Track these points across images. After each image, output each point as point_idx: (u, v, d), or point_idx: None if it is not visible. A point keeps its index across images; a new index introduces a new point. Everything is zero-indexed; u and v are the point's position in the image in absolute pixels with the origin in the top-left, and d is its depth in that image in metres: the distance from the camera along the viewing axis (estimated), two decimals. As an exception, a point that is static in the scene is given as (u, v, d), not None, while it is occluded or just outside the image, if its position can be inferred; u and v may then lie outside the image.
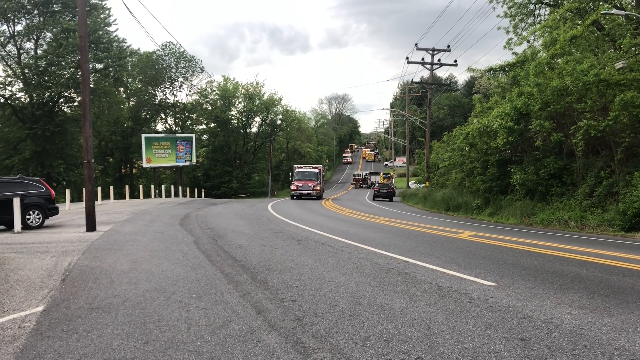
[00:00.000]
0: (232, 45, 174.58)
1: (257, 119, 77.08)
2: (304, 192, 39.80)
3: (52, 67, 41.61)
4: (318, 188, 40.37)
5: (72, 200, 30.32)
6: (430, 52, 39.65)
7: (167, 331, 4.69)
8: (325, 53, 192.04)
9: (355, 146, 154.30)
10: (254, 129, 78.11)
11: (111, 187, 36.20)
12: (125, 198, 37.28)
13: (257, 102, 74.46)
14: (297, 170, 43.05)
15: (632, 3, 26.34)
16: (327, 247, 10.72)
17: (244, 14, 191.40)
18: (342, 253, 9.78)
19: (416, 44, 38.94)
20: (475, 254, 10.35)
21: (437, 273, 7.77)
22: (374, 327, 4.81)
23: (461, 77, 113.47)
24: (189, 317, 5.13)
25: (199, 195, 53.01)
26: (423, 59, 39.87)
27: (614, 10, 21.91)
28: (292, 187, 40.78)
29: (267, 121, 75.45)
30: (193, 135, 58.91)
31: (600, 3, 25.83)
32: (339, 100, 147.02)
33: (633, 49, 21.57)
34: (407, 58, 39.84)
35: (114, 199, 35.70)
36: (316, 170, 42.85)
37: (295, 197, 39.94)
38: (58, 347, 4.31)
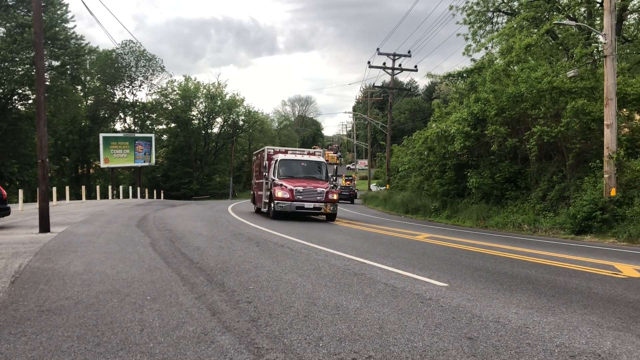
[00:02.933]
0: (198, 45, 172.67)
1: (219, 119, 76.53)
2: (306, 204, 19.80)
3: (6, 64, 40.36)
4: (334, 197, 20.61)
5: (25, 201, 29.47)
6: (392, 57, 40.18)
7: (120, 333, 4.66)
8: (292, 56, 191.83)
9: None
10: (216, 130, 77.46)
11: (67, 188, 35.32)
12: (81, 199, 36.44)
13: (219, 102, 73.89)
14: (282, 158, 21.64)
15: (585, 14, 27.33)
16: (285, 249, 10.76)
17: (210, 12, 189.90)
18: (300, 255, 9.84)
19: (378, 49, 39.41)
20: (430, 255, 10.57)
21: (392, 274, 7.92)
22: (328, 327, 4.88)
23: (422, 82, 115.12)
24: (142, 319, 5.10)
25: (158, 197, 52.20)
26: (384, 63, 40.37)
27: (566, 21, 22.69)
28: (279, 192, 19.82)
29: (229, 122, 74.92)
30: (152, 135, 58.04)
31: (555, 13, 26.70)
32: (302, 102, 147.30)
33: (584, 58, 22.40)
34: (368, 62, 40.30)
35: (70, 199, 34.87)
36: (321, 160, 22.73)
37: (280, 212, 19.84)
38: (5, 350, 4.23)
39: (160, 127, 72.81)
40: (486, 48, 28.63)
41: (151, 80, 68.58)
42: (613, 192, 16.42)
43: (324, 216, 21.00)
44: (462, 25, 30.55)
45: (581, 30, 24.42)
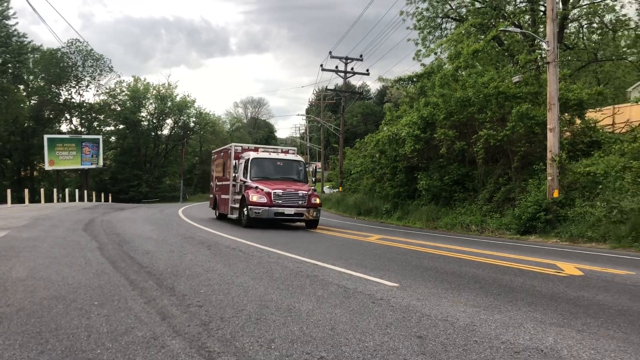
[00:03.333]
0: (148, 45, 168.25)
1: (169, 121, 75.36)
2: (286, 209, 17.30)
3: (-58, 61, 38.52)
4: (317, 201, 18.31)
5: (-37, 205, 28.13)
6: (344, 60, 40.49)
7: (65, 340, 4.52)
8: (244, 57, 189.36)
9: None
10: (166, 132, 76.19)
11: (8, 191, 33.94)
12: (24, 202, 35.11)
13: (169, 103, 72.70)
14: (255, 157, 19.03)
15: (529, 22, 28.34)
16: (237, 252, 10.69)
17: (161, 12, 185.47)
18: (252, 258, 9.80)
19: (330, 52, 39.68)
20: (382, 256, 10.72)
21: (345, 275, 7.99)
22: (280, 330, 4.89)
23: (374, 86, 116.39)
24: (89, 325, 4.96)
25: (106, 200, 50.85)
26: (337, 67, 40.65)
27: (511, 28, 23.47)
28: (254, 196, 17.22)
29: (180, 123, 73.81)
30: (100, 136, 56.69)
31: (501, 20, 27.55)
32: (254, 104, 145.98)
33: (528, 64, 23.22)
34: (321, 65, 40.46)
35: (12, 203, 33.51)
36: (298, 158, 20.35)
37: (256, 220, 17.30)
38: (-58, 360, 4.05)
39: (108, 128, 71.07)
40: (435, 53, 29.23)
41: (99, 80, 66.92)
42: (556, 194, 17.04)
43: (303, 223, 18.64)
44: (413, 31, 31.14)
45: (526, 37, 25.28)
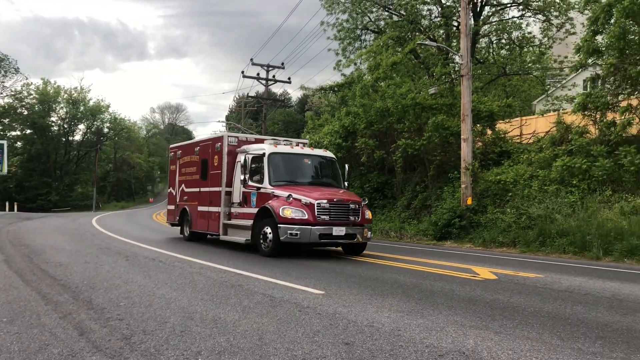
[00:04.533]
0: (60, 46, 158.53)
1: (82, 126, 72.17)
2: (334, 229, 11.75)
3: None
4: (369, 216, 12.95)
5: None
6: (266, 68, 40.35)
7: (-28, 361, 4.20)
8: (163, 62, 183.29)
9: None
10: (78, 137, 72.87)
11: None
12: None
13: (82, 108, 69.59)
14: (274, 151, 13.02)
15: (443, 36, 29.57)
16: (157, 262, 10.37)
17: (74, 13, 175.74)
18: (174, 268, 9.54)
19: (252, 59, 39.36)
20: (306, 264, 10.76)
21: (270, 284, 7.94)
22: (206, 342, 4.78)
23: (295, 94, 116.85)
24: (-2, 344, 4.63)
25: (11, 209, 47.81)
26: (258, 74, 40.45)
27: (427, 42, 24.39)
28: (286, 209, 11.54)
29: (93, 129, 70.86)
30: (5, 142, 53.22)
31: (417, 34, 28.57)
32: (172, 110, 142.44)
33: (443, 77, 24.21)
34: (242, 72, 40.07)
35: None
36: (329, 155, 14.50)
37: (289, 245, 11.82)
38: None
39: (13, 133, 66.94)
40: (355, 64, 29.78)
41: (3, 82, 62.93)
42: (469, 201, 17.81)
43: (340, 247, 13.27)
44: (333, 41, 31.52)
45: (440, 50, 26.35)
